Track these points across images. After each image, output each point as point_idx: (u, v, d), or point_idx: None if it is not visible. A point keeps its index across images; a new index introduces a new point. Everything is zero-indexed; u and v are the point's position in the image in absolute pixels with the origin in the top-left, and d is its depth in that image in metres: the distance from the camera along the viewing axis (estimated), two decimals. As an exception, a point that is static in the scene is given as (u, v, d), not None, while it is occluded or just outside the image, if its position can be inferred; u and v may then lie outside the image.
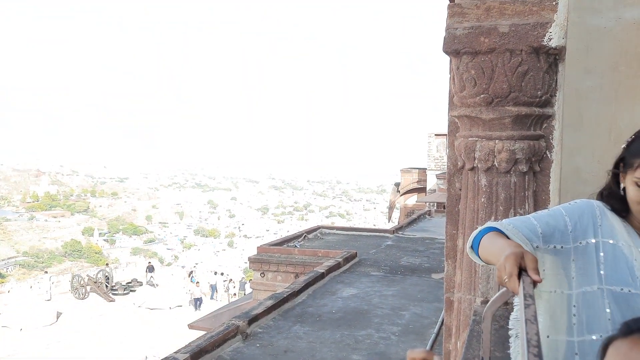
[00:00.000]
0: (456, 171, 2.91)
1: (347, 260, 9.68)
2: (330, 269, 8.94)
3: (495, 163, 2.67)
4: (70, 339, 22.08)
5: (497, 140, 2.68)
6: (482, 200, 2.70)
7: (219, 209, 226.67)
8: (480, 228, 1.60)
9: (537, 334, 0.98)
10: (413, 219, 15.13)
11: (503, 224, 1.56)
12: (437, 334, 6.10)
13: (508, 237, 1.50)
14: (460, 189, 2.89)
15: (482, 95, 2.66)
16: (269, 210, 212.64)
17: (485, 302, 2.69)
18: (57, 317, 24.48)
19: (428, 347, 5.78)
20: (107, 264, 31.01)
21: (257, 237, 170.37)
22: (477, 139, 2.73)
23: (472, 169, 2.76)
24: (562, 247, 1.54)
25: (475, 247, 1.56)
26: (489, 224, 1.60)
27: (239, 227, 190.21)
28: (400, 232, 13.16)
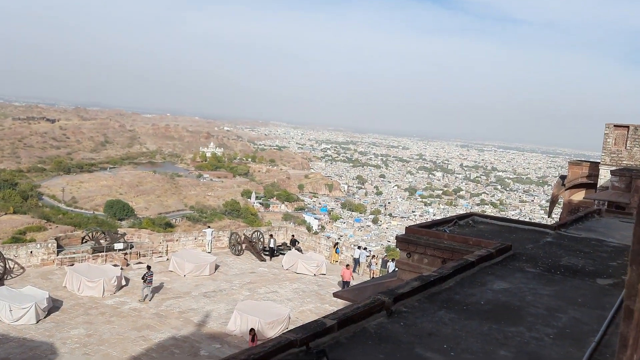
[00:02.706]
0: (653, 169, 2.61)
1: (500, 252, 9.26)
2: (481, 259, 8.63)
3: None
4: (225, 288, 24.32)
5: None
6: (684, 204, 2.40)
7: (367, 185, 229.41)
8: None
9: None
10: (579, 216, 13.90)
11: None
12: (598, 344, 5.62)
13: None
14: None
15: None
16: (416, 192, 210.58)
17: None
18: (215, 269, 27.06)
19: (586, 357, 5.37)
20: (271, 235, 31.93)
21: (402, 217, 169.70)
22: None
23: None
24: None
25: None
26: None
27: (385, 205, 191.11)
28: (563, 230, 12.20)
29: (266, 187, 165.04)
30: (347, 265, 26.72)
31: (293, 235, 33.50)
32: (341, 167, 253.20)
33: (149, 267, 22.61)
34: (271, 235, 31.86)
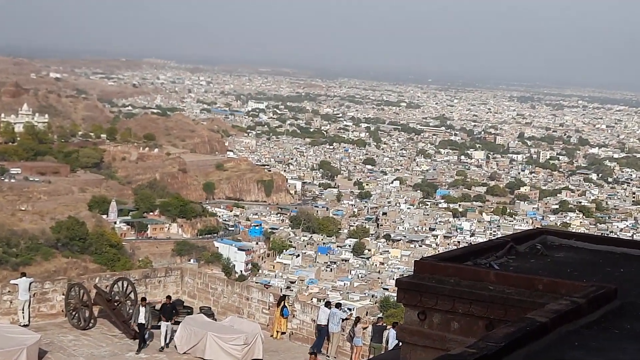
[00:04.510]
0: None
1: (595, 302, 9.47)
2: (561, 318, 8.81)
3: None
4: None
5: None
6: None
7: (341, 181, 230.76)
8: None
9: None
10: None
11: None
12: None
13: None
14: None
15: None
16: (436, 191, 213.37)
17: None
18: (40, 358, 26.65)
19: None
20: (143, 299, 29.59)
21: (411, 240, 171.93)
22: None
23: None
24: None
25: None
26: None
27: (377, 218, 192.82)
28: None
29: (139, 191, 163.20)
30: (313, 354, 26.20)
31: (169, 298, 31.64)
32: (289, 147, 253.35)
33: None
34: (143, 299, 29.93)
